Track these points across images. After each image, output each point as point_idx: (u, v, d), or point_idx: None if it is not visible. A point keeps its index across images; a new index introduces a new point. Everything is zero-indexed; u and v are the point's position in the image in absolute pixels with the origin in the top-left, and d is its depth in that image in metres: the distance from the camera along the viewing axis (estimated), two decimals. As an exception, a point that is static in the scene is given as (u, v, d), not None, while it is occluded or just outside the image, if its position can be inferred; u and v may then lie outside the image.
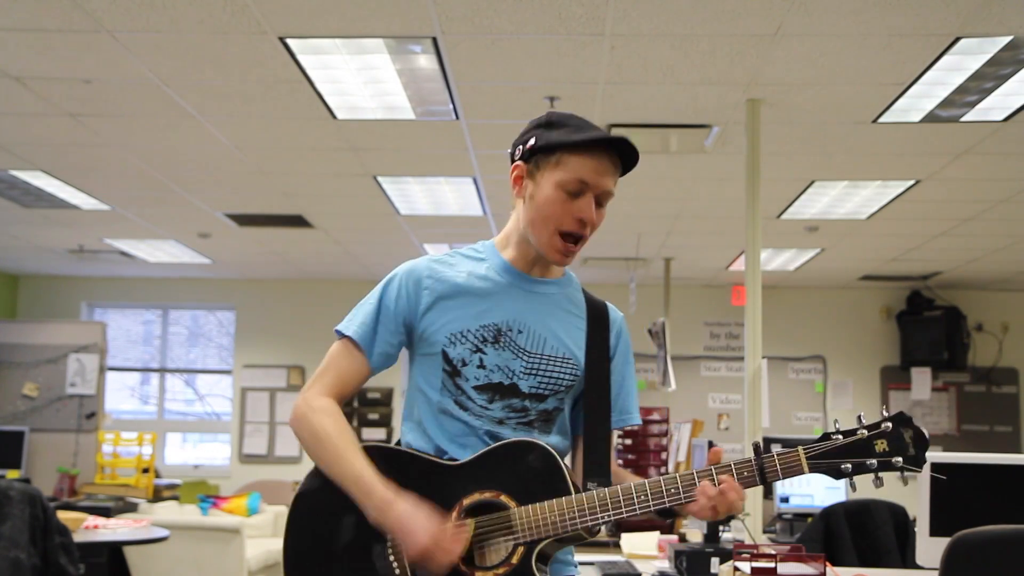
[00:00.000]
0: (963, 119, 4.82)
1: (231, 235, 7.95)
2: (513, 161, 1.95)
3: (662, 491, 1.79)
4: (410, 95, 4.65)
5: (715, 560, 3.17)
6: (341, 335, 1.93)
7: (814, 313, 10.07)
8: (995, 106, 4.63)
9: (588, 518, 1.78)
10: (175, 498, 7.52)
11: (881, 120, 4.86)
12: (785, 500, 5.03)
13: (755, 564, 2.84)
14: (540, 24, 3.82)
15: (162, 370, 10.53)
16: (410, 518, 1.75)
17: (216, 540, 6.18)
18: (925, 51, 4.01)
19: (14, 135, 5.38)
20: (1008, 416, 9.86)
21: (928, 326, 9.59)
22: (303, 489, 1.92)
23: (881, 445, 1.78)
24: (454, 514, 1.80)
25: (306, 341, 10.07)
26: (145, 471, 7.23)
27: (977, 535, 2.33)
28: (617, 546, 3.89)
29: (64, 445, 7.73)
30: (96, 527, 5.12)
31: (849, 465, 1.77)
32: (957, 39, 3.88)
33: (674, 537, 4.07)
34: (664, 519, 1.92)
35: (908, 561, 3.89)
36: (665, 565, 3.44)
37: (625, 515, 1.79)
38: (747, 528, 3.76)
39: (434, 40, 4.00)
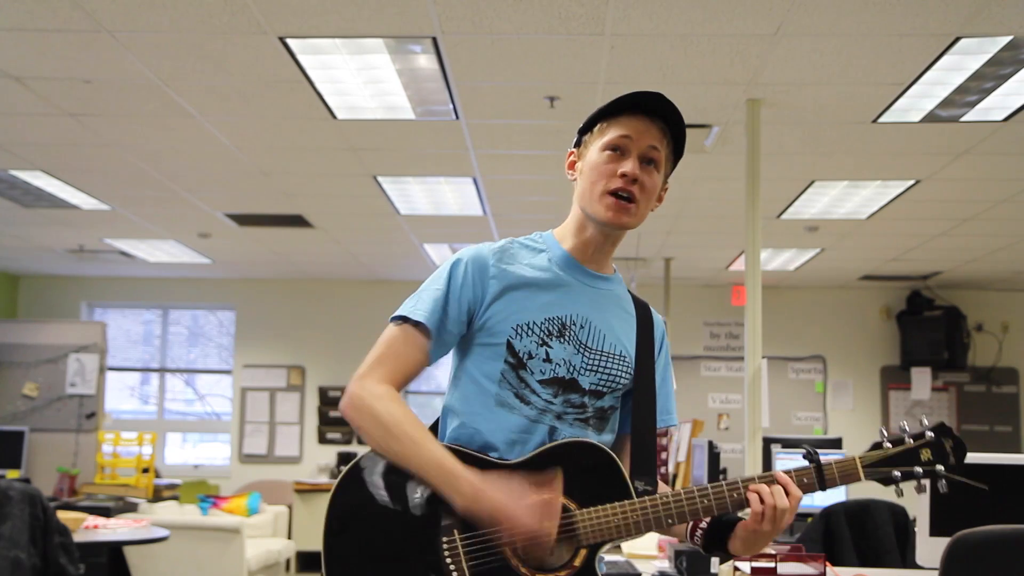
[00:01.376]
0: (963, 119, 4.82)
1: (231, 235, 7.95)
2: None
3: (724, 494, 1.77)
4: (410, 95, 4.65)
5: (715, 560, 3.17)
6: (403, 320, 1.83)
7: (814, 313, 10.07)
8: (995, 106, 4.63)
9: (652, 520, 1.76)
10: (175, 498, 7.53)
11: (881, 120, 4.86)
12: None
13: (755, 564, 2.84)
14: (540, 24, 3.82)
15: (162, 370, 10.53)
16: (507, 503, 1.68)
17: (216, 540, 6.18)
18: (925, 51, 4.01)
19: (14, 135, 5.38)
20: (1008, 416, 9.86)
21: (928, 326, 9.58)
22: (342, 482, 1.78)
23: (926, 454, 1.83)
24: (547, 498, 1.73)
25: (306, 341, 10.07)
26: (145, 471, 7.24)
27: (977, 535, 2.33)
28: (617, 546, 3.89)
29: (64, 445, 7.73)
30: (96, 527, 5.11)
31: (899, 473, 1.81)
32: (957, 39, 3.89)
33: (674, 537, 4.06)
34: (711, 552, 1.89)
35: (908, 561, 3.89)
36: (665, 565, 3.44)
37: (689, 517, 1.77)
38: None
39: (434, 40, 4.00)
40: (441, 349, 1.85)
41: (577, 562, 1.74)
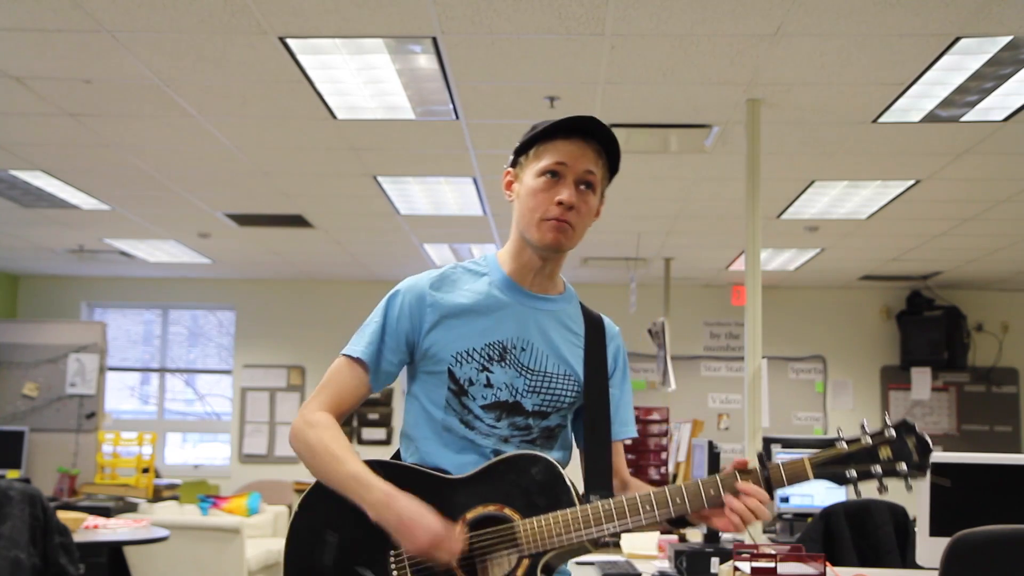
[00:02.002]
0: (963, 119, 4.82)
1: (231, 235, 7.95)
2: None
3: (668, 502, 1.78)
4: (410, 95, 4.65)
5: (715, 560, 3.18)
6: (347, 356, 1.94)
7: (814, 313, 10.07)
8: (995, 106, 4.63)
9: (593, 530, 1.77)
10: (175, 498, 7.53)
11: (881, 120, 4.86)
12: (785, 500, 5.03)
13: (755, 564, 2.84)
14: (540, 24, 3.82)
15: (162, 370, 10.53)
16: (412, 513, 1.73)
17: (216, 540, 6.18)
18: (925, 51, 4.01)
19: (14, 135, 5.38)
20: (1008, 416, 9.86)
21: (928, 326, 9.58)
22: (304, 502, 1.90)
23: (885, 452, 1.79)
24: (458, 528, 1.78)
25: (306, 341, 10.07)
26: (145, 471, 7.24)
27: (977, 535, 2.33)
28: (617, 546, 3.89)
29: (64, 445, 7.73)
30: (96, 527, 5.12)
31: (854, 472, 1.79)
32: (957, 39, 3.88)
33: (674, 537, 4.07)
34: (675, 526, 1.91)
35: (908, 561, 3.89)
36: (665, 565, 3.44)
37: (631, 527, 1.78)
38: (747, 528, 3.75)
39: (434, 40, 4.00)
40: (383, 379, 1.93)
41: (519, 572, 1.77)
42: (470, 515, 1.80)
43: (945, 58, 4.06)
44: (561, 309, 1.98)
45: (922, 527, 3.03)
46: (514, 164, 1.97)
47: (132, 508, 6.81)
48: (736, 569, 2.85)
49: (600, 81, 4.42)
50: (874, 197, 6.38)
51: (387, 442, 9.96)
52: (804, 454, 1.82)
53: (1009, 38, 3.87)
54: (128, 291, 10.37)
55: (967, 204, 6.54)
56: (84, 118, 5.05)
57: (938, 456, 3.07)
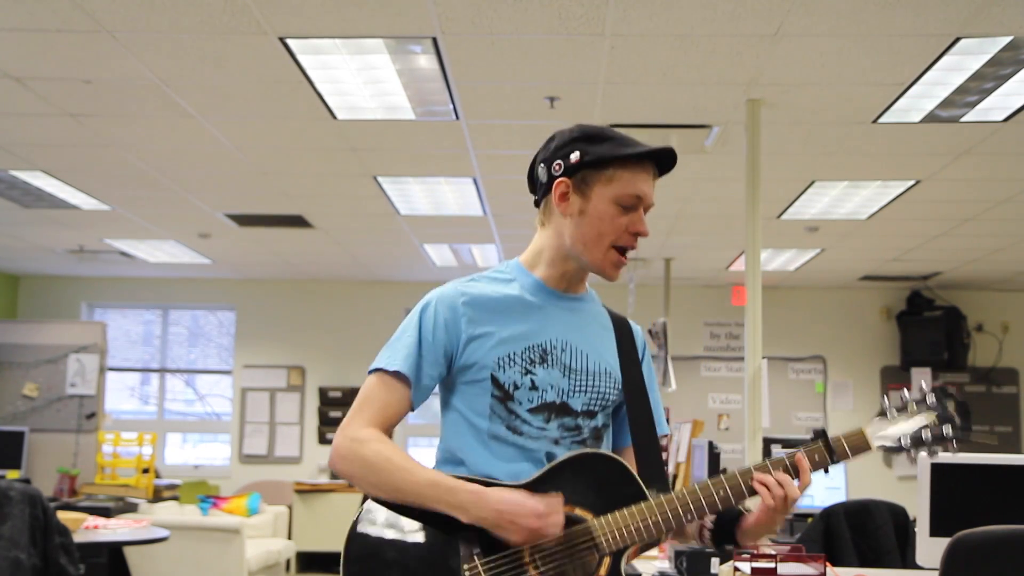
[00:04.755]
0: (963, 119, 4.82)
1: (231, 235, 7.95)
2: (553, 176, 1.87)
3: (739, 482, 1.78)
4: (410, 95, 4.65)
5: (715, 560, 3.17)
6: (380, 371, 1.82)
7: (814, 313, 10.07)
8: (995, 106, 4.63)
9: (672, 520, 1.76)
10: (175, 498, 7.53)
11: (881, 120, 4.86)
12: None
13: (755, 564, 2.84)
14: (540, 24, 3.82)
15: (162, 370, 10.53)
16: (510, 503, 1.68)
17: (216, 540, 6.19)
18: (925, 51, 4.01)
19: (14, 135, 5.38)
20: (1008, 416, 9.86)
21: (928, 326, 9.58)
22: (353, 532, 1.75)
23: (931, 417, 1.84)
24: (555, 498, 1.73)
25: (306, 341, 10.07)
26: (145, 471, 7.24)
27: (977, 535, 2.33)
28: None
29: (64, 445, 7.73)
30: (96, 527, 5.12)
31: (908, 440, 1.83)
32: (957, 39, 3.88)
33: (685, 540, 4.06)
34: (719, 544, 1.89)
35: (908, 561, 3.89)
36: (665, 565, 3.44)
37: (707, 510, 1.77)
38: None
39: (434, 40, 4.00)
40: (422, 394, 1.85)
41: (603, 571, 1.73)
42: None
43: (945, 58, 4.06)
44: (591, 308, 1.97)
45: (922, 527, 3.03)
46: (570, 173, 1.85)
47: (132, 508, 6.81)
48: (736, 569, 2.85)
49: (600, 81, 4.42)
50: (874, 197, 6.38)
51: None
52: (857, 426, 1.84)
53: (1009, 38, 3.87)
54: (128, 291, 10.37)
55: (967, 204, 6.54)
56: (84, 118, 5.05)
57: (938, 456, 3.07)
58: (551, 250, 1.91)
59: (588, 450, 1.83)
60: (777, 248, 8.12)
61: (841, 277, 9.48)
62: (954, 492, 2.98)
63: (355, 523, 1.76)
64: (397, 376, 1.81)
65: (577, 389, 1.86)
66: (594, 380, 1.88)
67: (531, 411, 1.83)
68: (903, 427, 1.83)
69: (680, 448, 5.50)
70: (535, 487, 1.75)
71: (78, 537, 4.57)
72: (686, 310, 9.69)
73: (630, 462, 1.88)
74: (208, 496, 7.35)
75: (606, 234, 1.84)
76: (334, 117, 4.94)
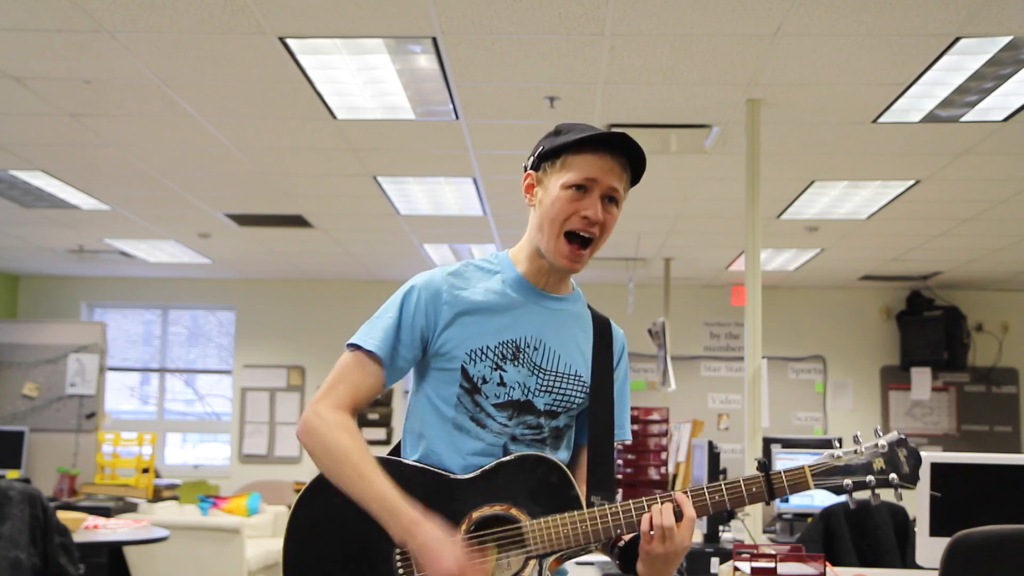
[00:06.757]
0: (963, 119, 4.82)
1: (231, 235, 7.95)
2: (524, 171, 1.95)
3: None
4: (410, 95, 4.65)
5: (715, 560, 3.18)
6: (357, 348, 1.87)
7: (814, 313, 10.07)
8: (995, 106, 4.63)
9: (601, 531, 1.79)
10: (175, 498, 7.53)
11: (881, 120, 4.86)
12: (785, 500, 5.02)
13: (755, 564, 2.84)
14: (540, 24, 3.82)
15: (162, 370, 10.53)
16: (438, 544, 1.71)
17: (216, 540, 6.18)
18: (925, 51, 4.01)
19: (14, 135, 5.38)
20: (1008, 416, 9.86)
21: (928, 326, 9.59)
22: (303, 498, 1.87)
23: (879, 463, 1.89)
24: (463, 527, 1.79)
25: (306, 341, 10.07)
26: (145, 471, 7.24)
27: (977, 535, 2.33)
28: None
29: (64, 445, 7.73)
30: (96, 527, 5.12)
31: (850, 482, 1.89)
32: (957, 39, 3.88)
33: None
34: (627, 571, 1.89)
35: (908, 561, 3.89)
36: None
37: (637, 527, 1.79)
38: (747, 528, 3.76)
39: (434, 40, 4.00)
40: (395, 374, 1.90)
41: (526, 573, 1.78)
42: (476, 514, 1.80)
43: (945, 58, 4.06)
44: (572, 309, 1.98)
45: (922, 527, 3.03)
46: (536, 167, 1.93)
47: (132, 508, 6.81)
48: (736, 569, 2.85)
49: (600, 81, 4.42)
50: (874, 197, 6.38)
51: (387, 442, 9.95)
52: (805, 456, 1.86)
53: (1009, 38, 3.87)
54: (128, 291, 10.37)
55: (967, 204, 6.54)
56: (84, 118, 5.05)
57: (938, 456, 3.07)
58: (529, 244, 1.95)
59: (534, 452, 1.86)
60: (777, 248, 8.12)
61: (841, 277, 9.48)
62: (954, 492, 2.98)
63: (311, 486, 1.86)
64: (372, 356, 1.86)
65: (543, 389, 1.89)
66: (561, 382, 1.91)
67: (496, 406, 1.87)
68: (848, 469, 1.88)
69: (680, 448, 5.50)
70: (479, 482, 1.82)
71: (78, 537, 4.57)
72: (686, 310, 9.69)
73: (582, 462, 1.94)
74: (208, 496, 7.34)
75: (557, 218, 1.86)
76: (334, 117, 4.94)
